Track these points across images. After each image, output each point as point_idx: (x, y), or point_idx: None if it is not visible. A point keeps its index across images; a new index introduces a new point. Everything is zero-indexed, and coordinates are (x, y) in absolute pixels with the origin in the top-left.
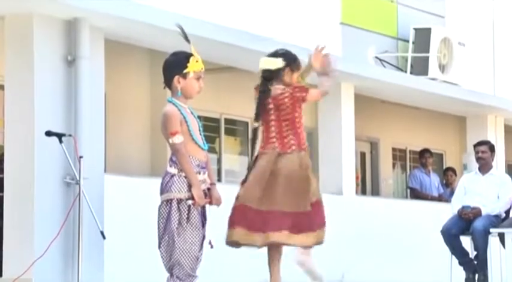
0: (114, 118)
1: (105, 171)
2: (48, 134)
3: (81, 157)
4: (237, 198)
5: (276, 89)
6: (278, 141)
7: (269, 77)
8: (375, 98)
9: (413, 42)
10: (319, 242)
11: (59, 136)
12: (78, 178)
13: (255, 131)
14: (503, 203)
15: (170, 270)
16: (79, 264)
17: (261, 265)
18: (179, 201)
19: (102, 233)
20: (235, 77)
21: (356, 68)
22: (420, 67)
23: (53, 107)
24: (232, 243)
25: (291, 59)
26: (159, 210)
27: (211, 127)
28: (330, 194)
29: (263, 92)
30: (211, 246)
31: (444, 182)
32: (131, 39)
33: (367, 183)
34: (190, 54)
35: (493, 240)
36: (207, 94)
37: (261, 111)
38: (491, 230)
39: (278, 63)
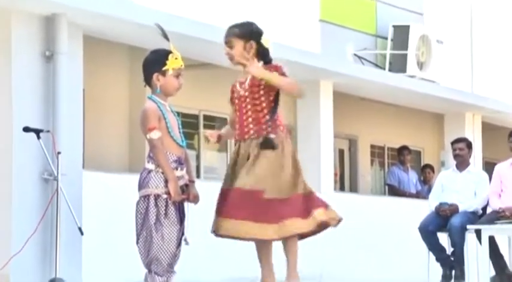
0: (93, 114)
1: (83, 167)
2: (26, 129)
3: (59, 153)
4: None
5: None
6: None
7: None
8: (354, 95)
9: (391, 40)
10: None
11: (37, 132)
12: (56, 174)
13: None
14: (480, 199)
15: (148, 266)
16: (56, 260)
17: (238, 262)
18: (157, 197)
19: (80, 229)
20: (214, 73)
21: (335, 65)
22: (399, 64)
23: (30, 102)
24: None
25: None
26: (137, 206)
27: (190, 124)
28: None
29: None
30: (187, 243)
31: (422, 179)
32: (110, 36)
33: (346, 180)
34: (170, 52)
35: (470, 237)
36: (186, 91)
37: None
38: (468, 226)
39: None
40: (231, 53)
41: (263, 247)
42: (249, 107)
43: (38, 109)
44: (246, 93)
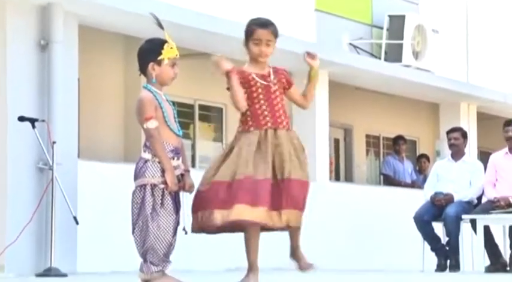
0: (88, 103)
1: (78, 156)
2: (21, 119)
3: (54, 142)
4: None
5: None
6: None
7: None
8: (349, 84)
9: (387, 29)
10: None
11: (32, 121)
12: (51, 163)
13: None
14: (475, 189)
15: (144, 255)
16: (52, 249)
17: (232, 251)
18: (153, 186)
19: (75, 218)
20: (209, 62)
21: (330, 54)
22: (394, 54)
23: (26, 92)
24: None
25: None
26: (132, 195)
27: (185, 113)
28: None
29: None
30: (186, 232)
31: (417, 168)
32: (105, 25)
33: (341, 170)
34: (165, 41)
35: (465, 227)
36: (181, 80)
37: None
38: (463, 216)
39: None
40: (269, 53)
41: (258, 235)
42: (278, 99)
43: (33, 98)
44: (276, 87)
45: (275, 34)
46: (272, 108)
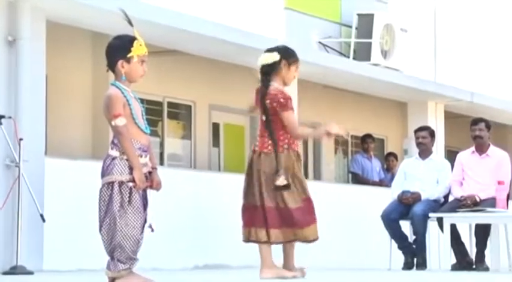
0: (56, 100)
1: (45, 153)
2: None
3: (21, 139)
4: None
5: (272, 90)
6: (258, 139)
7: (267, 71)
8: (318, 83)
9: (356, 28)
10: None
11: None
12: (18, 160)
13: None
14: (442, 188)
15: (111, 253)
16: (18, 247)
17: (200, 249)
18: (121, 183)
19: (41, 216)
20: (178, 60)
21: (299, 53)
22: (363, 53)
23: None
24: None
25: (286, 52)
26: (100, 193)
27: (154, 110)
28: None
29: (264, 86)
30: (152, 230)
31: (385, 167)
32: (73, 21)
33: (309, 168)
34: (134, 38)
35: (432, 225)
36: (150, 77)
37: (260, 107)
38: (430, 214)
39: (274, 56)
40: None
41: None
42: None
43: None
44: None
45: None
46: None
